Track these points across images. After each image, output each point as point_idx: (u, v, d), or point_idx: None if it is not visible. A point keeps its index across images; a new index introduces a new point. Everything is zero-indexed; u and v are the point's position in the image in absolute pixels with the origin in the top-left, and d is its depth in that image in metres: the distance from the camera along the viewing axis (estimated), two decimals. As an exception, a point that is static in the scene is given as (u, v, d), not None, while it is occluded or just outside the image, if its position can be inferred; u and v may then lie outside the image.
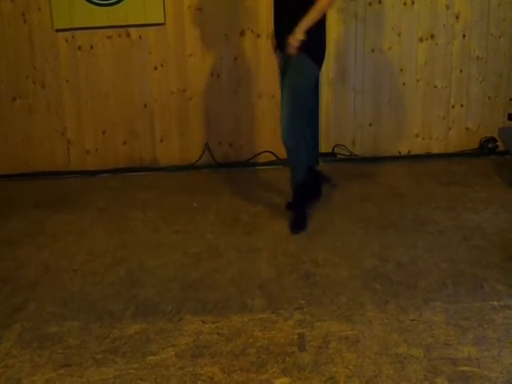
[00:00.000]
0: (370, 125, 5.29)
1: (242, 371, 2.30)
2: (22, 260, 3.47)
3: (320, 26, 3.43)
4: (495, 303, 2.73)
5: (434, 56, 5.18)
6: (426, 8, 5.07)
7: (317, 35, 3.44)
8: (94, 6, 4.92)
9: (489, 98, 5.29)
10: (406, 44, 5.15)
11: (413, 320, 2.61)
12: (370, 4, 5.04)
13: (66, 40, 5.04)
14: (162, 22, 5.00)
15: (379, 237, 3.58)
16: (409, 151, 5.36)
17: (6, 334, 2.63)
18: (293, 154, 3.63)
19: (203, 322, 2.67)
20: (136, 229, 3.91)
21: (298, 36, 3.35)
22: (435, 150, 5.36)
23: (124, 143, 5.26)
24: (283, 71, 3.59)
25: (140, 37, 5.06)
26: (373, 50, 5.14)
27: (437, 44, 5.15)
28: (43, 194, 4.76)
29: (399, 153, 5.36)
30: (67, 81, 5.12)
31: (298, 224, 3.71)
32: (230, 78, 5.11)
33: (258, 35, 4.99)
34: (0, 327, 2.69)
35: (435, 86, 5.24)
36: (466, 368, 2.26)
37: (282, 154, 5.26)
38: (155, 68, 5.12)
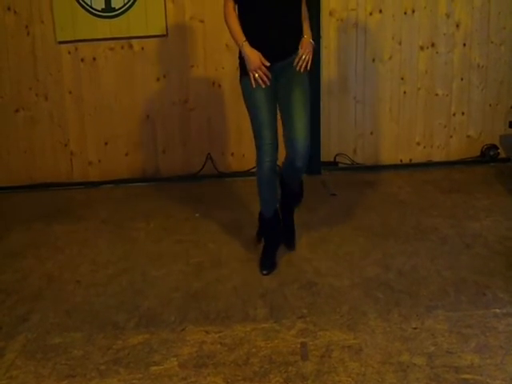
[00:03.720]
0: (372, 133, 5.31)
1: (245, 381, 2.30)
2: (25, 271, 3.48)
3: None
4: (497, 311, 2.73)
5: (434, 64, 5.20)
6: (427, 17, 5.10)
7: None
8: (96, 18, 4.95)
9: (490, 105, 5.30)
10: (406, 53, 5.17)
11: (415, 328, 2.61)
12: (370, 13, 5.07)
13: (69, 52, 5.07)
14: (164, 33, 5.04)
15: (381, 245, 3.58)
16: (410, 159, 5.37)
17: (10, 345, 2.64)
18: (306, 164, 3.24)
19: (206, 331, 2.67)
20: (139, 239, 3.92)
21: (312, 42, 3.18)
22: (436, 158, 5.37)
23: (127, 154, 5.28)
24: (279, 80, 3.17)
25: (142, 48, 5.09)
26: (373, 60, 5.16)
27: (437, 52, 5.17)
28: (46, 205, 4.78)
29: (400, 161, 5.37)
30: (70, 92, 5.15)
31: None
32: (231, 88, 5.12)
33: (259, 45, 5.01)
34: (4, 338, 2.70)
35: (436, 95, 5.26)
36: (468, 376, 2.26)
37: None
38: (157, 79, 5.15)
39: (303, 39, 3.16)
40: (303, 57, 3.12)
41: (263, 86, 3.07)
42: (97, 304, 3.02)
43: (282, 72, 3.15)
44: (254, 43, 3.05)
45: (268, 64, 3.04)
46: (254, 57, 3.03)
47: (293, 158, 3.17)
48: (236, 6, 3.13)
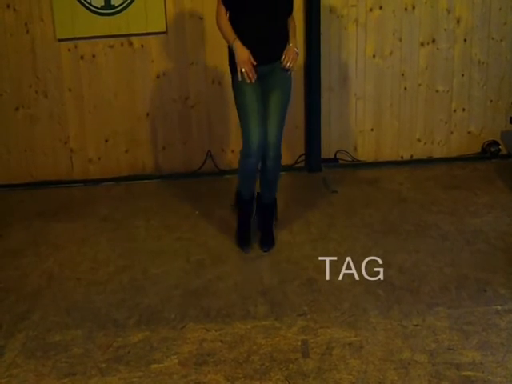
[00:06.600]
0: (372, 130, 5.29)
1: (245, 379, 2.30)
2: (25, 269, 3.48)
3: None
4: (499, 307, 2.73)
5: (435, 60, 5.18)
6: (427, 13, 5.08)
7: None
8: (96, 16, 4.93)
9: (491, 101, 5.29)
10: (407, 49, 5.15)
11: (416, 325, 2.61)
12: (370, 9, 5.05)
13: (69, 49, 5.05)
14: (164, 30, 5.02)
15: (382, 242, 3.58)
16: (411, 156, 5.36)
17: (10, 344, 2.64)
18: (279, 165, 3.58)
19: (206, 329, 2.67)
20: (139, 237, 3.91)
21: (297, 50, 3.40)
22: (437, 155, 5.36)
23: (127, 151, 5.27)
24: (263, 84, 3.39)
25: (142, 46, 5.07)
26: (374, 56, 5.14)
27: (438, 48, 5.15)
28: (46, 203, 4.77)
29: (401, 157, 5.36)
30: (70, 90, 5.13)
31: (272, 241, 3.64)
32: (231, 85, 5.11)
33: (259, 42, 5.00)
34: (4, 336, 2.70)
35: (437, 91, 5.24)
36: (470, 373, 2.26)
37: (284, 160, 5.28)
38: (157, 76, 5.14)
39: (288, 47, 3.36)
40: (287, 64, 3.34)
41: (248, 81, 3.26)
42: (97, 302, 3.02)
43: (267, 77, 3.37)
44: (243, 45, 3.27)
45: (255, 63, 3.23)
46: (243, 52, 3.24)
47: (266, 151, 3.42)
48: (227, 13, 3.36)
